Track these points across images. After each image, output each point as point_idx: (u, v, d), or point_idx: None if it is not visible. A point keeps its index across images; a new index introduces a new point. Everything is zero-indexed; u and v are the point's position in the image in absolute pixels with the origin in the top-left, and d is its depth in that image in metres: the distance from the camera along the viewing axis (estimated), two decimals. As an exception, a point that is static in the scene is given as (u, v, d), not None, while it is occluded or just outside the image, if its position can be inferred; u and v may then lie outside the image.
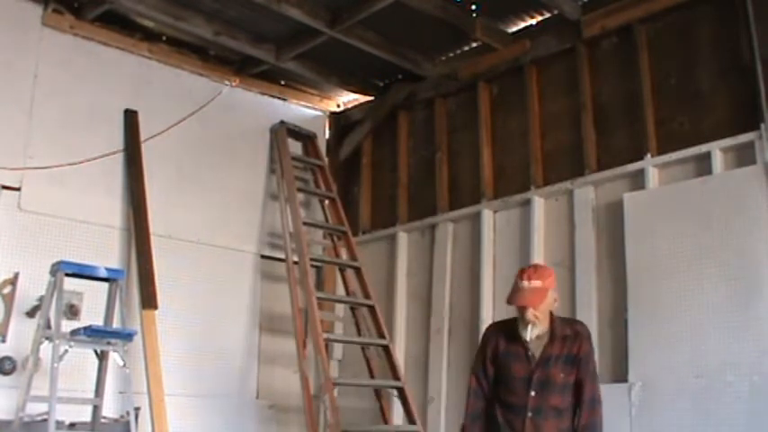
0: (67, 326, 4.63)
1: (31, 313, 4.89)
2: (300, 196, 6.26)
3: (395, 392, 5.54)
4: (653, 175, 4.85)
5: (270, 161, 6.46)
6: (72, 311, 5.02)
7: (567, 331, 3.50)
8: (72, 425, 4.66)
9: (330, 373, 5.36)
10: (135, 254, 5.41)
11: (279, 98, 6.69)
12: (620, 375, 4.69)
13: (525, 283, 3.46)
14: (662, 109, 4.93)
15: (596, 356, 4.79)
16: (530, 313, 3.43)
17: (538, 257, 5.31)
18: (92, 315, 4.90)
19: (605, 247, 5.03)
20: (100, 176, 5.48)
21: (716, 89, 4.72)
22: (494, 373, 3.55)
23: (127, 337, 4.62)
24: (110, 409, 4.94)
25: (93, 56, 5.65)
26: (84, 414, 4.71)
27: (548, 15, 5.64)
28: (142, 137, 5.71)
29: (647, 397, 4.46)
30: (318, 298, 5.60)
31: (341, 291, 6.32)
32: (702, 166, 4.64)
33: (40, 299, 4.71)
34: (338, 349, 6.45)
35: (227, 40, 5.86)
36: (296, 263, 5.83)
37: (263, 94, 6.61)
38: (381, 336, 5.68)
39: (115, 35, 5.74)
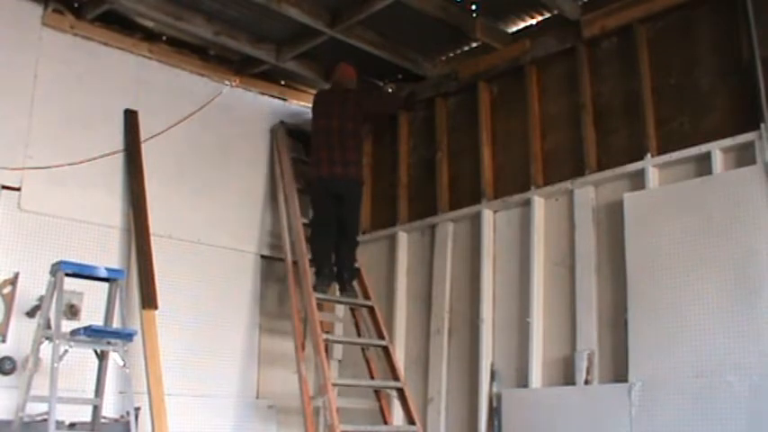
0: (67, 326, 4.64)
1: (31, 313, 4.89)
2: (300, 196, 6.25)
3: (395, 393, 5.54)
4: (653, 175, 4.85)
5: (270, 161, 6.46)
6: (72, 311, 5.02)
7: None
8: (72, 425, 4.66)
9: (329, 373, 5.36)
10: (135, 254, 5.41)
11: (279, 98, 6.69)
12: (621, 375, 4.69)
13: None
14: (662, 109, 4.93)
15: (596, 357, 4.86)
16: None
17: (538, 257, 5.32)
18: (92, 315, 4.91)
19: (605, 247, 5.03)
20: (100, 176, 5.48)
21: (716, 89, 4.72)
22: None
23: (127, 337, 4.62)
24: (110, 409, 4.96)
25: (93, 56, 5.65)
26: (84, 414, 4.71)
27: (548, 15, 5.65)
28: (142, 137, 5.72)
29: (647, 397, 4.46)
30: (317, 298, 5.60)
31: (341, 291, 6.32)
32: (702, 166, 4.64)
33: (40, 299, 4.71)
34: (338, 350, 6.45)
35: (227, 40, 5.86)
36: (295, 263, 5.83)
37: (263, 94, 6.62)
38: (381, 336, 5.68)
39: (115, 35, 5.74)
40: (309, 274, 5.69)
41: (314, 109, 6.12)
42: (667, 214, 4.67)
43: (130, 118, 5.73)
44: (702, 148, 4.63)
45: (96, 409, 4.68)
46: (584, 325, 4.96)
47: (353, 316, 6.04)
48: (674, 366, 4.41)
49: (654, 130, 4.91)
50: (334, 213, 5.77)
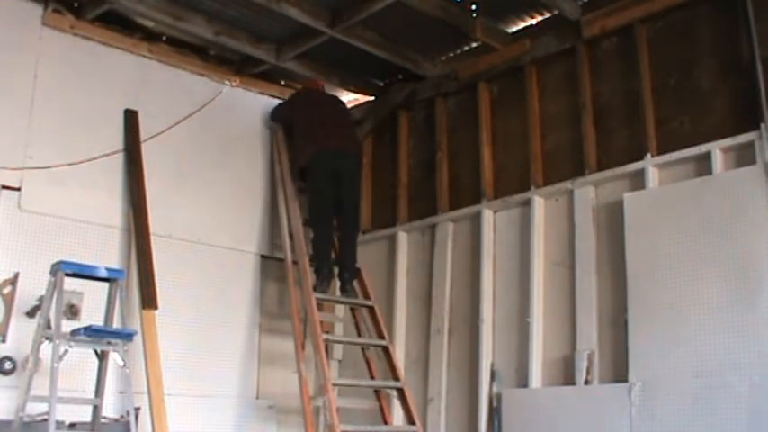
0: (67, 326, 4.63)
1: (31, 313, 4.88)
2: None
3: (395, 393, 5.54)
4: (653, 175, 4.85)
5: (270, 161, 6.46)
6: (72, 311, 5.01)
7: None
8: (72, 425, 4.66)
9: (329, 373, 5.36)
10: (135, 254, 5.41)
11: (279, 98, 6.68)
12: (621, 375, 4.69)
13: None
14: (662, 109, 4.93)
15: (596, 357, 4.86)
16: None
17: (538, 257, 5.32)
18: (92, 315, 4.90)
19: (605, 247, 5.03)
20: (100, 176, 5.48)
21: (716, 89, 4.72)
22: None
23: (127, 337, 4.62)
24: (110, 409, 4.95)
25: (93, 56, 5.64)
26: (84, 414, 4.71)
27: (548, 15, 5.65)
28: (142, 137, 5.71)
29: (647, 397, 4.46)
30: (317, 298, 5.60)
31: (340, 291, 6.31)
32: (702, 166, 4.64)
33: (40, 299, 4.71)
34: (338, 350, 6.45)
35: (227, 40, 5.86)
36: (295, 263, 5.83)
37: (263, 94, 6.61)
38: (381, 336, 5.68)
39: (115, 35, 5.73)
40: (309, 273, 5.68)
41: (299, 100, 6.28)
42: (667, 214, 4.67)
43: (130, 118, 5.72)
44: (702, 148, 4.63)
45: (96, 409, 4.68)
46: (584, 325, 4.96)
47: (353, 316, 6.04)
48: (674, 366, 4.41)
49: (654, 130, 4.91)
50: (333, 199, 5.78)
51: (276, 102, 6.62)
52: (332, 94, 6.52)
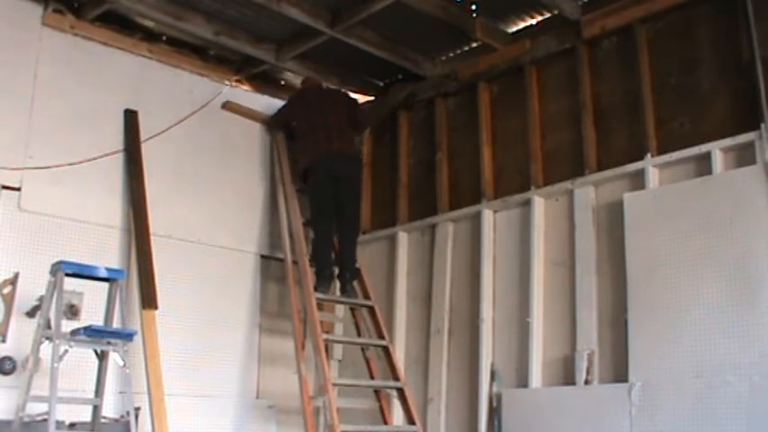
0: (67, 326, 4.63)
1: (31, 313, 4.88)
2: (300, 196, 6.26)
3: (395, 393, 5.54)
4: (653, 175, 4.85)
5: (270, 161, 6.46)
6: (72, 311, 5.01)
7: None
8: (72, 425, 4.66)
9: (329, 373, 5.36)
10: (135, 254, 5.41)
11: (279, 98, 6.68)
12: (621, 375, 4.69)
13: None
14: (662, 109, 4.93)
15: (596, 357, 4.86)
16: None
17: (538, 257, 5.33)
18: (92, 315, 4.90)
19: (605, 247, 5.03)
20: (100, 176, 5.48)
21: (716, 89, 4.72)
22: None
23: (127, 337, 4.62)
24: (110, 409, 4.95)
25: (93, 56, 5.64)
26: (84, 414, 4.71)
27: (548, 15, 5.65)
28: (142, 137, 5.71)
29: (647, 397, 4.46)
30: (318, 298, 5.60)
31: (340, 291, 6.31)
32: (702, 166, 4.64)
33: (40, 299, 4.71)
34: (338, 350, 6.45)
35: (227, 40, 5.86)
36: (295, 263, 5.83)
37: (263, 94, 6.61)
38: (381, 336, 5.68)
39: (115, 35, 5.73)
40: (310, 273, 5.69)
41: (297, 102, 6.19)
42: (667, 214, 4.68)
43: (130, 118, 5.72)
44: (702, 148, 4.63)
45: (96, 409, 4.68)
46: (584, 325, 4.96)
47: (353, 316, 6.04)
48: (674, 366, 4.41)
49: (654, 130, 4.91)
50: (333, 201, 5.77)
51: (276, 102, 6.62)
52: (331, 88, 6.47)
